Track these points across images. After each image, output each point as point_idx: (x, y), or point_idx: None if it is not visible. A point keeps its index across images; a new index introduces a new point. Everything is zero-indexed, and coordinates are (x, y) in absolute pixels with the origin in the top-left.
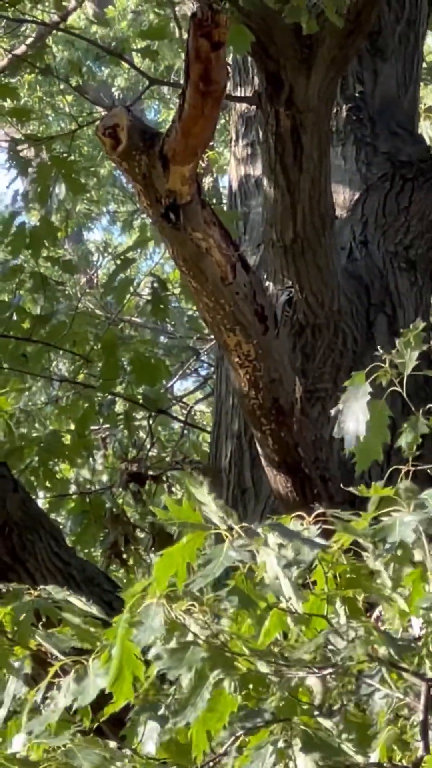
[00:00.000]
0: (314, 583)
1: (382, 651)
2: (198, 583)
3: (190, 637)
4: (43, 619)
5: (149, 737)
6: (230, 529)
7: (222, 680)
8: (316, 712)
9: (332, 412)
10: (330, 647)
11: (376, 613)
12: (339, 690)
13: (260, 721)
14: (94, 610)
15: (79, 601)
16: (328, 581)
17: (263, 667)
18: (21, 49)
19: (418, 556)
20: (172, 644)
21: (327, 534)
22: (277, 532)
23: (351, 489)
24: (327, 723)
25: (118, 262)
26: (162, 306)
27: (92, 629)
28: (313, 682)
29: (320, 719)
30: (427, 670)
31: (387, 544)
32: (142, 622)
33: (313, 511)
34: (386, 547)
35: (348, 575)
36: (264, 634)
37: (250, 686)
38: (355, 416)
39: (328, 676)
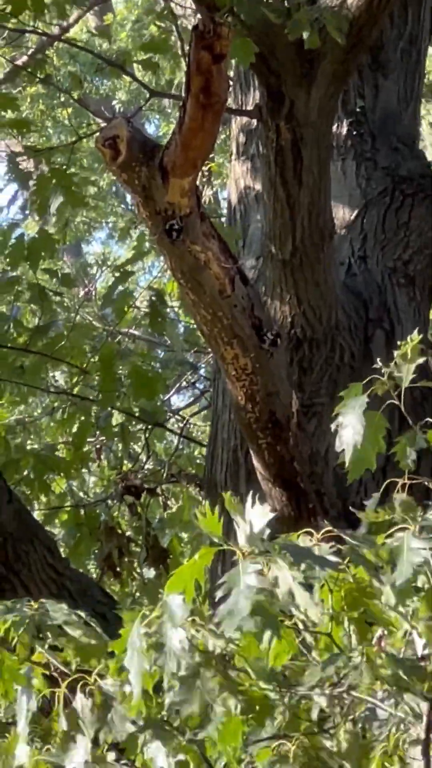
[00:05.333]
0: (321, 601)
1: (388, 672)
2: (227, 625)
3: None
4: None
5: (158, 752)
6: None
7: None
8: (315, 730)
9: (332, 426)
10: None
11: (378, 633)
12: (341, 710)
13: (264, 738)
14: (93, 623)
15: (77, 616)
16: (334, 599)
17: (269, 691)
18: (22, 60)
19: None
20: (183, 671)
21: (337, 551)
22: (288, 552)
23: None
24: (327, 743)
25: (117, 275)
26: (160, 320)
27: (93, 642)
28: (318, 699)
29: (321, 738)
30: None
31: (395, 569)
32: (162, 644)
33: (317, 527)
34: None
35: (354, 593)
36: (273, 657)
37: (257, 708)
38: (352, 427)
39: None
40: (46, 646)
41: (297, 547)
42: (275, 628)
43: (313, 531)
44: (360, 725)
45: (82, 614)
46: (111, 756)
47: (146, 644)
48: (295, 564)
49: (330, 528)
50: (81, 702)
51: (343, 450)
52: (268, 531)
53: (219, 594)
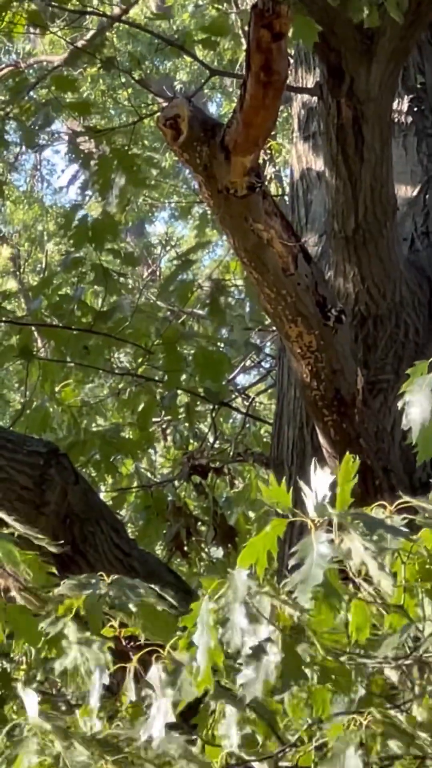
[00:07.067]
0: (394, 574)
1: None
2: (301, 592)
3: (266, 632)
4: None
5: (230, 726)
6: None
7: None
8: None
9: (399, 405)
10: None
11: None
12: (412, 683)
13: (340, 711)
14: (166, 597)
15: (151, 590)
16: (408, 571)
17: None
18: (83, 41)
19: None
20: (249, 647)
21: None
22: (361, 522)
23: None
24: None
25: (178, 263)
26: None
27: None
28: (390, 672)
29: (393, 711)
30: None
31: None
32: (228, 618)
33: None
34: None
35: (427, 565)
36: (355, 630)
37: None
38: (419, 405)
39: (405, 668)
40: (118, 622)
41: (369, 517)
42: (337, 599)
43: (386, 504)
44: None
45: (156, 588)
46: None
47: (213, 620)
48: (368, 534)
49: (403, 500)
50: (155, 672)
51: (410, 428)
52: (330, 494)
53: (291, 562)
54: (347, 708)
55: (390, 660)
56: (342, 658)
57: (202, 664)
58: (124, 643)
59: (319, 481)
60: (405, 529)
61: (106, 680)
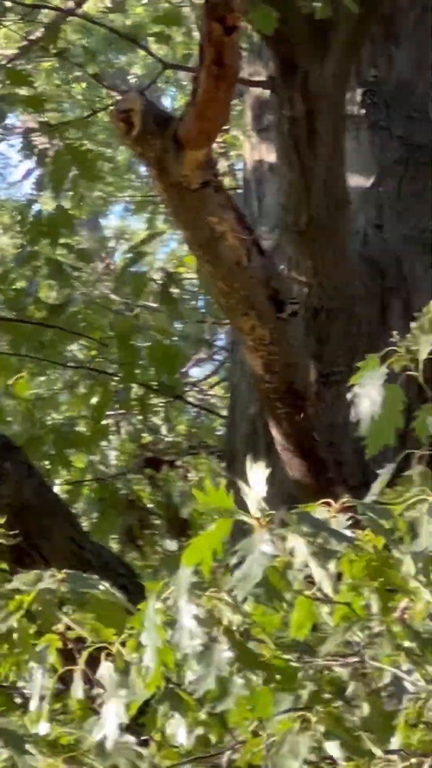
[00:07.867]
0: (340, 573)
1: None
2: (241, 590)
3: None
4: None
5: (178, 726)
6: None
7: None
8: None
9: (348, 397)
10: (355, 637)
11: (402, 603)
12: (362, 681)
13: (286, 709)
14: (117, 594)
15: (102, 586)
16: (355, 568)
17: (291, 660)
18: (35, 36)
19: None
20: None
21: (354, 521)
22: (306, 523)
23: None
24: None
25: (129, 256)
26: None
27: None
28: (338, 670)
29: (342, 709)
30: None
31: (415, 539)
32: (176, 620)
33: (337, 497)
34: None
35: (374, 563)
36: (296, 627)
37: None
38: (369, 398)
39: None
40: (67, 619)
41: (314, 519)
42: (275, 599)
43: (331, 501)
44: (384, 695)
45: (107, 584)
46: (130, 738)
47: (161, 620)
48: (311, 536)
49: (348, 498)
50: (105, 669)
51: (360, 421)
52: (265, 489)
53: (233, 561)
54: (293, 706)
55: (338, 658)
56: (289, 656)
57: (151, 664)
58: (70, 642)
59: (256, 477)
60: (349, 534)
61: (49, 684)
